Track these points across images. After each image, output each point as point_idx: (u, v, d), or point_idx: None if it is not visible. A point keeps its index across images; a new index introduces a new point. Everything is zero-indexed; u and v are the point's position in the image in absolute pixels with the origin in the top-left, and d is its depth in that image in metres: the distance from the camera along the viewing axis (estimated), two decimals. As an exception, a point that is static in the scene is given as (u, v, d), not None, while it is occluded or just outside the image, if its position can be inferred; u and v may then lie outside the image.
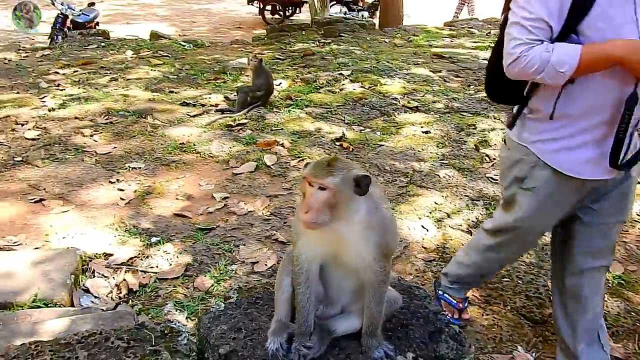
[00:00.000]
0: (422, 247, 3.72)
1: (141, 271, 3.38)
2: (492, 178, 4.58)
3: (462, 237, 3.81)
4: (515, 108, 2.33)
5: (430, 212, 4.09)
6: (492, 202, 4.21)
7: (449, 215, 4.07)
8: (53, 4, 11.13)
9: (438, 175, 4.62)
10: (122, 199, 4.25)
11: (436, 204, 4.20)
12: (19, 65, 8.07)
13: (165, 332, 1.75)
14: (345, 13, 15.23)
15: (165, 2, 19.42)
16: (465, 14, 15.44)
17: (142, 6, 18.35)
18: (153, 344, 1.66)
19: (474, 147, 5.14)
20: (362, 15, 14.96)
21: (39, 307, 2.82)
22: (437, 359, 1.72)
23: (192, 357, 1.67)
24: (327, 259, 1.73)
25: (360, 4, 16.11)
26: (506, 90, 2.27)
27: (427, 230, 3.87)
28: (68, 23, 11.25)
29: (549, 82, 2.01)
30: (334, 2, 15.82)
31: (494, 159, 4.91)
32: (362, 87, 6.81)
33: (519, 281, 3.37)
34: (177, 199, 4.29)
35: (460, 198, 4.30)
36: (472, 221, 4.00)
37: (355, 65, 7.70)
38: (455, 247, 3.68)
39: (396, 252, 1.81)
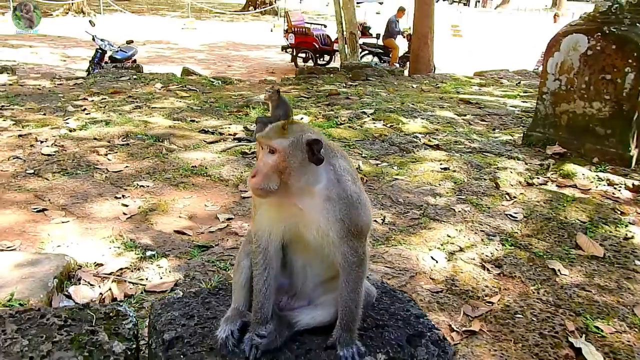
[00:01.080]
0: (430, 278, 3.47)
1: (129, 282, 3.23)
2: (511, 215, 4.33)
3: (473, 270, 3.55)
4: None
5: (442, 244, 3.86)
6: (509, 239, 3.95)
7: (461, 249, 3.83)
8: (93, 40, 11.54)
9: (453, 209, 4.40)
10: (124, 213, 4.17)
11: (449, 236, 3.97)
12: (51, 91, 8.28)
13: (111, 314, 1.58)
14: (375, 63, 15.39)
15: (206, 48, 20.02)
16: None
17: (182, 50, 18.92)
18: (92, 324, 1.49)
19: (494, 185, 4.92)
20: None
21: (12, 306, 2.68)
22: (413, 364, 1.49)
23: (133, 342, 1.49)
24: (289, 237, 1.55)
25: (391, 55, 16.26)
26: None
27: (437, 262, 3.63)
28: (106, 59, 11.64)
29: None
30: (366, 52, 16.01)
31: (515, 197, 4.67)
32: (383, 125, 6.70)
33: (534, 318, 3.09)
34: (180, 217, 4.18)
35: (476, 232, 4.06)
36: (487, 256, 3.74)
37: (379, 105, 7.64)
38: (466, 280, 3.43)
39: (369, 233, 1.60)
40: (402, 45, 16.08)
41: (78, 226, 3.94)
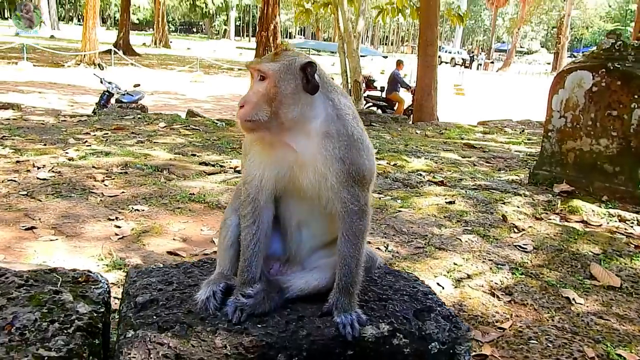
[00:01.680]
0: (435, 303, 3.25)
1: (115, 298, 3.02)
2: (520, 246, 4.14)
3: (482, 297, 3.33)
4: None
5: (448, 272, 3.65)
6: (520, 268, 3.75)
7: (469, 276, 3.62)
8: (101, 82, 11.67)
9: (459, 239, 4.22)
10: (116, 234, 4.00)
11: (455, 264, 3.77)
12: (54, 126, 8.26)
13: (80, 279, 1.41)
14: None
15: (212, 99, 20.28)
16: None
17: (188, 100, 19.15)
18: (57, 286, 1.32)
19: (501, 217, 4.74)
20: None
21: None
22: (422, 338, 1.30)
23: (102, 307, 1.31)
24: (282, 185, 1.37)
25: (395, 108, 16.39)
26: None
27: (443, 288, 3.42)
28: (112, 101, 11.72)
29: None
30: (370, 105, 16.15)
31: (523, 229, 4.49)
32: (387, 163, 6.60)
33: (549, 344, 2.85)
34: (174, 239, 4.01)
35: (483, 261, 3.85)
36: (496, 283, 3.53)
37: (382, 146, 7.57)
38: (474, 306, 3.21)
39: (373, 181, 1.42)
40: (406, 98, 16.26)
41: (66, 244, 3.77)
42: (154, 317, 1.24)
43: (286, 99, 1.28)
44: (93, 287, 1.40)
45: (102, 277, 1.52)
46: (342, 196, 1.32)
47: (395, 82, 15.92)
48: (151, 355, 1.19)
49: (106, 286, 1.44)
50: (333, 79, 1.72)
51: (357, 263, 1.33)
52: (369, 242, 3.35)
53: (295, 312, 1.34)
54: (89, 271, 1.57)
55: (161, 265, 1.54)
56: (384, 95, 16.47)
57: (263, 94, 1.27)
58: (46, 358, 1.21)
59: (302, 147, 1.32)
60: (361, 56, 16.79)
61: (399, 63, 16.45)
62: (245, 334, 1.24)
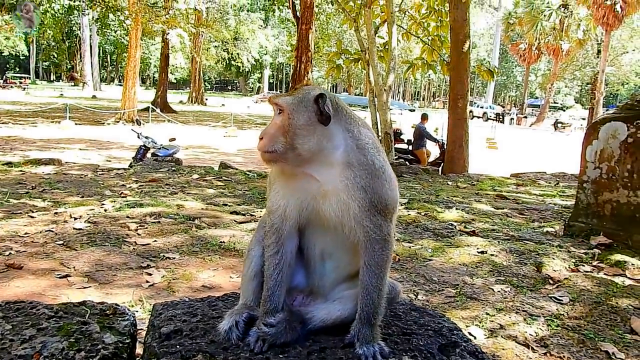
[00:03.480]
0: (467, 354, 3.15)
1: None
2: (556, 298, 4.01)
3: (516, 348, 3.22)
4: None
5: (481, 322, 3.55)
6: (555, 320, 3.62)
7: (502, 327, 3.51)
8: (138, 137, 12.07)
9: (492, 289, 4.12)
10: (147, 281, 4.05)
11: (488, 314, 3.67)
12: (92, 179, 8.53)
13: (107, 312, 1.44)
14: (408, 167, 15.51)
15: (245, 152, 20.69)
16: None
17: (221, 154, 19.57)
18: (85, 318, 1.34)
19: (535, 268, 4.62)
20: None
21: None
22: (445, 374, 1.26)
23: (128, 338, 1.32)
24: (306, 215, 1.38)
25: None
26: None
27: (475, 338, 3.31)
28: (148, 155, 12.08)
29: None
30: (396, 157, 16.11)
31: (559, 281, 4.36)
32: (417, 213, 6.56)
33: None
34: (203, 286, 4.03)
35: (517, 312, 3.74)
36: (530, 335, 3.41)
37: (413, 196, 7.55)
38: (508, 357, 3.09)
39: (396, 213, 1.41)
40: (433, 151, 16.28)
41: (98, 291, 3.83)
42: (178, 346, 1.25)
43: (300, 131, 1.32)
44: (120, 319, 1.42)
45: (129, 310, 1.54)
46: (365, 225, 1.32)
47: (421, 136, 15.98)
48: (173, 383, 1.20)
49: (132, 319, 1.46)
50: None
51: (379, 293, 1.31)
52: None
53: (318, 343, 1.33)
54: (116, 304, 1.60)
55: (187, 299, 1.55)
56: (410, 148, 16.49)
57: (280, 127, 1.32)
58: (71, 385, 1.23)
59: (324, 177, 1.34)
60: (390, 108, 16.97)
61: (424, 117, 16.58)
62: (266, 364, 1.24)
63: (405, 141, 16.94)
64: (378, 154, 1.43)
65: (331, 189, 1.34)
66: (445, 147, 14.36)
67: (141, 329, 3.17)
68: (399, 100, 68.87)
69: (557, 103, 79.70)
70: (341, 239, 1.37)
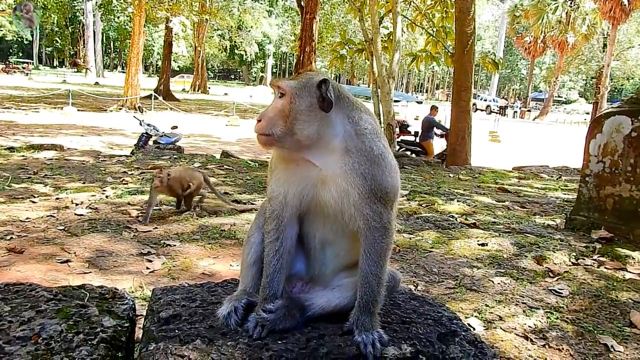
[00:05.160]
0: (466, 345, 3.15)
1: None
2: (555, 290, 4.00)
3: (515, 340, 3.22)
4: None
5: (480, 313, 3.55)
6: (555, 312, 3.62)
7: (501, 318, 3.51)
8: (140, 124, 12.05)
9: (492, 281, 4.11)
10: (147, 268, 4.06)
11: (487, 306, 3.67)
12: (94, 165, 8.53)
13: (106, 295, 1.44)
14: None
15: (247, 141, 20.66)
16: None
17: (225, 142, 19.55)
18: (84, 302, 1.34)
19: (535, 261, 4.62)
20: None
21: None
22: (445, 362, 1.26)
23: (126, 322, 1.32)
24: (306, 203, 1.38)
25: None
26: None
27: (474, 329, 3.31)
28: (150, 142, 12.07)
29: None
30: (404, 149, 16.15)
31: (559, 274, 4.35)
32: (418, 204, 6.55)
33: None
34: (203, 274, 4.03)
35: (516, 304, 3.74)
36: (529, 326, 3.41)
37: (414, 188, 7.54)
38: (507, 349, 3.10)
39: (397, 201, 1.39)
40: (438, 145, 16.24)
41: (99, 277, 3.84)
42: (176, 330, 1.25)
43: (301, 116, 1.31)
44: (119, 303, 1.42)
45: (128, 294, 1.54)
46: (365, 213, 1.31)
47: (430, 127, 15.92)
48: (171, 367, 1.20)
49: (132, 303, 1.46)
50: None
51: (378, 282, 1.31)
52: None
53: (316, 330, 1.33)
54: (115, 288, 1.60)
55: (186, 284, 1.55)
56: (417, 140, 16.49)
57: (280, 110, 1.31)
58: (69, 367, 1.23)
59: (324, 164, 1.33)
60: (396, 101, 16.95)
61: (434, 108, 16.52)
62: (265, 349, 1.23)
63: (412, 133, 16.88)
64: (378, 141, 1.42)
65: (330, 176, 1.33)
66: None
67: (141, 315, 3.19)
68: (402, 91, 68.55)
69: (561, 97, 79.43)
70: (341, 227, 1.37)
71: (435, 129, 15.96)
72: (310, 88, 1.33)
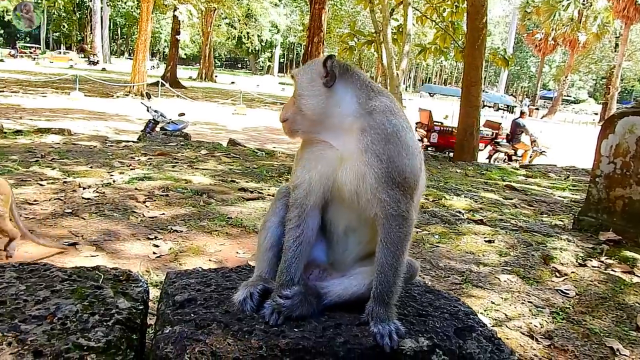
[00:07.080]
0: (472, 341, 3.14)
1: (151, 313, 3.04)
2: (562, 291, 3.99)
3: (520, 339, 3.21)
4: None
5: (485, 310, 3.54)
6: (560, 312, 3.60)
7: (507, 316, 3.50)
8: (147, 111, 12.05)
9: (498, 279, 4.10)
10: (154, 253, 4.07)
11: (493, 303, 3.66)
12: (101, 150, 8.53)
13: (121, 278, 1.43)
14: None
15: (253, 130, 20.65)
16: None
17: (231, 131, 19.53)
18: (99, 283, 1.33)
19: (542, 260, 4.60)
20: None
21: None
22: (463, 357, 1.25)
23: (141, 304, 1.31)
24: (329, 190, 1.36)
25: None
26: None
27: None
28: (157, 129, 12.06)
29: None
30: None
31: (566, 274, 4.33)
32: (425, 199, 6.52)
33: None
34: (210, 260, 4.04)
35: (523, 303, 3.73)
36: (535, 326, 3.40)
37: (422, 182, 7.51)
38: (512, 347, 3.08)
39: (418, 187, 1.35)
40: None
41: (106, 261, 3.84)
42: (192, 314, 1.24)
43: (303, 91, 1.31)
44: (133, 285, 1.41)
45: (142, 277, 1.53)
46: (381, 198, 1.28)
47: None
48: (187, 351, 1.18)
49: (146, 286, 1.45)
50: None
51: (395, 272, 1.28)
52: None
53: (333, 319, 1.32)
54: (129, 271, 1.59)
55: (200, 269, 1.55)
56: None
57: (292, 95, 1.32)
58: (85, 347, 1.22)
59: (341, 144, 1.32)
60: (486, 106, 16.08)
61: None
62: (282, 336, 1.22)
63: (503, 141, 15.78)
64: (393, 118, 1.38)
65: (347, 156, 1.32)
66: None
67: (149, 300, 3.19)
68: (409, 86, 68.08)
69: (570, 96, 78.94)
70: (363, 214, 1.35)
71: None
72: (314, 65, 1.33)
